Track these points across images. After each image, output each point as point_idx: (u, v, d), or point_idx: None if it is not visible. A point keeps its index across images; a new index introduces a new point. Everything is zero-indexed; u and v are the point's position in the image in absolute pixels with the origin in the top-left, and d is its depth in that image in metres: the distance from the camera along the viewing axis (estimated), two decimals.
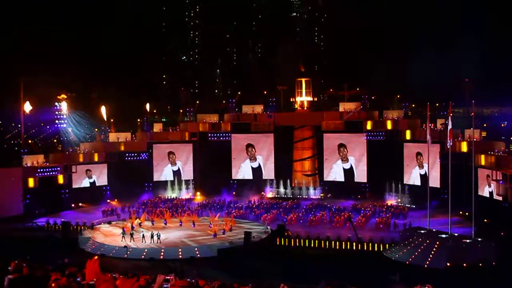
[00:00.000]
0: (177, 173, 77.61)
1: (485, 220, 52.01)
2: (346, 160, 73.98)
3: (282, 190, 75.50)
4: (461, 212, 55.58)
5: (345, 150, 73.92)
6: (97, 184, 72.87)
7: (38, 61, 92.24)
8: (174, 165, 77.68)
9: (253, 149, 77.52)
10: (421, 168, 66.35)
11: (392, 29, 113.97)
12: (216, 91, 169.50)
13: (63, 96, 78.90)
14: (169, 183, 76.76)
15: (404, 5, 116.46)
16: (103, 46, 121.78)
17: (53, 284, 5.75)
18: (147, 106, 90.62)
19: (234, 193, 74.27)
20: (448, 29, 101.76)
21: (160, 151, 77.34)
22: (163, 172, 77.40)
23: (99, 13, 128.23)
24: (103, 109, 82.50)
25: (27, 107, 73.03)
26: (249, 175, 77.77)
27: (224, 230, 53.55)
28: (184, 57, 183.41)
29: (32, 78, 75.10)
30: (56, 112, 78.98)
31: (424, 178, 64.22)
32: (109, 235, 53.57)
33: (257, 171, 77.61)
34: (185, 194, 75.72)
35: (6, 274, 9.06)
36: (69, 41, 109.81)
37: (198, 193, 75.81)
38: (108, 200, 70.60)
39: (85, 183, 72.11)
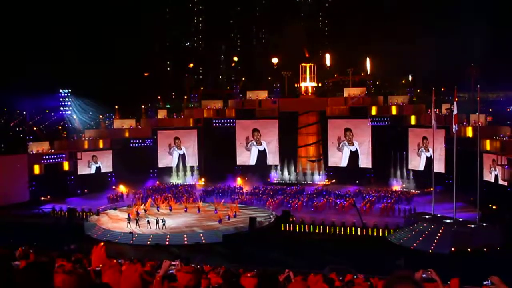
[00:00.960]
0: (182, 159, 77.78)
1: (492, 206, 52.02)
2: (352, 144, 73.95)
3: (286, 176, 75.60)
4: (466, 198, 55.58)
5: (351, 134, 73.84)
6: (102, 171, 73.14)
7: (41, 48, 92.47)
8: (179, 149, 77.80)
9: (259, 134, 77.50)
10: (427, 151, 66.20)
11: (396, 14, 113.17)
12: (220, 77, 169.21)
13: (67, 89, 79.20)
14: (174, 169, 76.98)
15: None
16: (106, 33, 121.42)
17: (59, 270, 5.81)
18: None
19: (239, 178, 74.39)
20: (453, 13, 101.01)
21: (164, 137, 77.45)
22: (168, 158, 77.56)
23: (105, 3, 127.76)
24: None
25: None
26: (253, 161, 77.82)
27: (229, 216, 53.77)
28: (188, 43, 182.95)
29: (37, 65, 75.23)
30: (61, 99, 79.13)
31: (429, 161, 64.22)
32: (115, 221, 53.87)
33: (262, 155, 77.60)
34: (190, 180, 75.95)
35: (13, 260, 9.17)
36: (71, 28, 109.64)
37: (202, 179, 75.99)
38: (114, 187, 70.86)
39: (91, 169, 72.39)
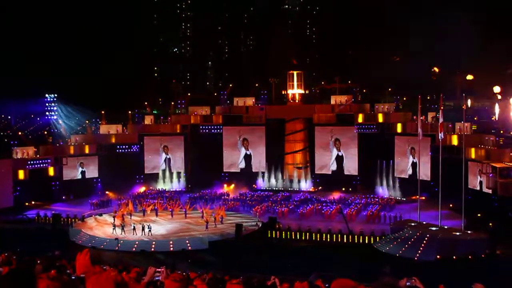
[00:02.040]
0: (168, 165, 77.56)
1: (477, 214, 52.31)
2: (339, 150, 74.12)
3: (273, 182, 75.59)
4: (451, 205, 55.89)
5: (339, 142, 74.06)
6: (87, 176, 72.70)
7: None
8: (167, 155, 77.61)
9: (247, 142, 77.50)
10: (414, 158, 66.41)
11: (383, 23, 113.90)
12: (207, 83, 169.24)
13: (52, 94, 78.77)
14: (160, 175, 76.71)
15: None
16: (94, 39, 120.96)
17: (43, 276, 5.73)
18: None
19: (225, 185, 74.25)
20: (440, 21, 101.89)
21: (151, 143, 77.21)
22: (155, 164, 77.27)
23: (90, 7, 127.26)
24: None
25: None
26: (242, 164, 77.68)
27: (215, 219, 53.71)
28: (176, 49, 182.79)
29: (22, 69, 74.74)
30: (47, 104, 78.61)
31: (415, 168, 64.57)
32: (100, 227, 53.54)
33: (249, 161, 77.55)
34: (176, 186, 75.71)
35: None
36: (59, 33, 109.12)
37: (189, 186, 75.78)
38: (105, 192, 70.28)
39: (76, 175, 71.94)
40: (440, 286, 8.34)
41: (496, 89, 72.35)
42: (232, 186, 73.31)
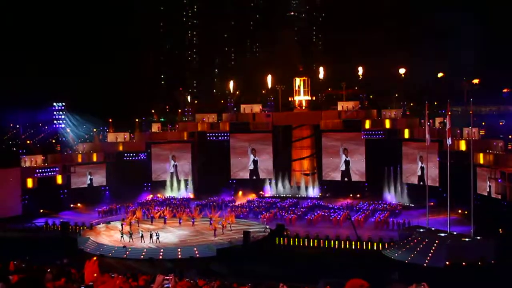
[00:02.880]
0: (176, 173, 77.63)
1: (487, 220, 52.02)
2: (347, 156, 74.07)
3: (281, 189, 75.50)
4: (460, 211, 55.59)
5: (346, 151, 73.99)
6: (95, 184, 72.85)
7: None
8: (174, 162, 77.71)
9: (254, 150, 77.50)
10: (422, 163, 66.15)
11: (389, 28, 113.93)
12: (214, 91, 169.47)
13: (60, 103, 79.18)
14: (168, 182, 76.77)
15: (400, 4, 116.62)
16: (102, 48, 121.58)
17: (49, 286, 5.74)
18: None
19: (233, 192, 74.25)
20: (447, 28, 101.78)
21: (158, 151, 77.34)
22: (162, 172, 77.36)
23: (98, 14, 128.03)
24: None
25: None
26: (251, 167, 77.64)
27: (223, 226, 53.67)
28: (182, 57, 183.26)
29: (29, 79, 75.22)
30: (54, 113, 79.01)
31: (423, 174, 64.35)
32: (108, 235, 53.60)
33: (257, 168, 77.54)
34: (184, 194, 75.74)
35: (6, 274, 9.06)
36: (67, 40, 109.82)
37: (196, 193, 75.79)
38: (112, 200, 70.45)
39: (84, 183, 72.12)
40: None
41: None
42: (240, 193, 73.31)
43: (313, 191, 74.42)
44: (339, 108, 75.80)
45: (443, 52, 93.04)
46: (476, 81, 79.37)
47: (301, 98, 79.19)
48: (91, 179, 72.67)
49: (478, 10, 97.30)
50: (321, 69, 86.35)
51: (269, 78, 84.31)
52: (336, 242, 49.36)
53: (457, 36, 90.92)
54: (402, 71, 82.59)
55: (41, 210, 63.75)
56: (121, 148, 75.83)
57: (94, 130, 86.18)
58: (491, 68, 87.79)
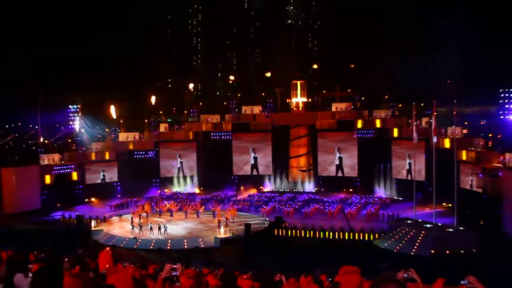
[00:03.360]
0: (182, 169, 77.70)
1: (468, 212, 52.14)
2: (340, 153, 74.07)
3: (279, 184, 75.56)
4: (444, 204, 55.62)
5: (340, 148, 74.00)
6: (108, 181, 72.97)
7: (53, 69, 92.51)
8: (181, 159, 77.73)
9: (255, 149, 77.51)
10: (410, 160, 66.15)
11: (379, 35, 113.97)
12: (217, 93, 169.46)
13: (78, 105, 79.27)
14: (175, 178, 76.87)
15: (390, 12, 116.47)
16: (113, 54, 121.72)
17: (66, 273, 5.79)
18: (152, 99, 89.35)
19: (235, 187, 74.31)
20: (432, 35, 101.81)
21: (166, 149, 77.42)
22: (170, 169, 77.42)
23: (108, 23, 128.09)
24: (112, 109, 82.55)
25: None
26: (252, 163, 77.56)
27: (227, 218, 53.70)
28: (188, 62, 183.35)
29: (47, 83, 75.32)
30: (70, 115, 79.10)
31: (411, 169, 64.40)
32: (120, 227, 53.71)
33: (257, 165, 77.52)
34: (190, 189, 75.82)
35: (26, 264, 9.13)
36: (81, 49, 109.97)
37: (201, 188, 75.88)
38: (119, 195, 70.60)
39: (97, 179, 72.21)
40: (440, 280, 8.31)
41: None
42: (242, 188, 73.36)
43: (309, 186, 74.54)
44: (333, 109, 75.85)
45: (431, 56, 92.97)
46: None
47: (298, 100, 79.26)
48: (104, 176, 72.76)
49: (463, 14, 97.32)
50: (316, 73, 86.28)
51: (268, 81, 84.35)
52: (331, 233, 49.42)
53: (443, 41, 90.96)
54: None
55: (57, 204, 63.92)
56: (131, 147, 75.88)
57: (107, 130, 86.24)
58: (473, 71, 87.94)
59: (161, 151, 77.13)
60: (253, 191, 72.06)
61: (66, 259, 13.89)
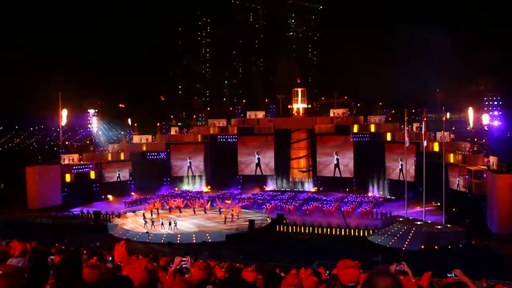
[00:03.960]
0: (191, 169, 77.71)
1: (455, 210, 52.04)
2: (338, 156, 73.87)
3: (281, 184, 75.48)
4: (433, 203, 55.50)
5: (337, 151, 73.76)
6: (123, 179, 73.00)
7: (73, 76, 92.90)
8: (190, 161, 77.73)
9: (258, 151, 77.35)
10: (402, 162, 65.98)
11: (374, 46, 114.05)
12: (224, 99, 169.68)
13: (94, 109, 79.54)
14: (184, 178, 76.88)
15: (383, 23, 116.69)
16: (129, 63, 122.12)
17: (83, 264, 5.83)
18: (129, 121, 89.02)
19: (240, 186, 74.25)
20: (425, 47, 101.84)
21: (176, 151, 77.47)
22: (180, 169, 77.45)
23: (124, 35, 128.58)
24: (129, 121, 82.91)
25: (64, 114, 73.48)
26: (256, 166, 77.42)
27: (232, 215, 53.63)
28: (197, 70, 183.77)
29: (68, 90, 75.60)
30: (88, 119, 79.35)
31: (403, 171, 64.29)
32: (133, 222, 53.71)
33: (260, 165, 77.40)
34: (198, 188, 75.82)
35: (48, 255, 9.17)
36: (100, 59, 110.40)
37: (209, 187, 75.85)
38: (132, 193, 70.57)
39: (113, 178, 72.28)
40: (427, 273, 8.32)
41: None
42: (248, 188, 72.86)
43: (309, 186, 74.42)
44: (331, 114, 75.74)
45: (421, 66, 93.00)
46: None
47: (299, 105, 79.25)
48: (119, 175, 72.83)
49: (451, 26, 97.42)
50: (316, 81, 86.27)
51: (271, 88, 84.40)
52: (328, 229, 49.38)
53: (434, 51, 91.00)
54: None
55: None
56: (144, 148, 75.98)
57: (122, 133, 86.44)
58: (462, 80, 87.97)
59: (172, 152, 77.16)
60: (256, 190, 71.93)
61: (85, 251, 13.93)
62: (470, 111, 72.13)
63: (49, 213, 58.60)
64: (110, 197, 68.54)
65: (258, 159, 77.42)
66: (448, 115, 70.07)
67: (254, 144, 77.21)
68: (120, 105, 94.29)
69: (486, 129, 68.85)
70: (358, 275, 5.18)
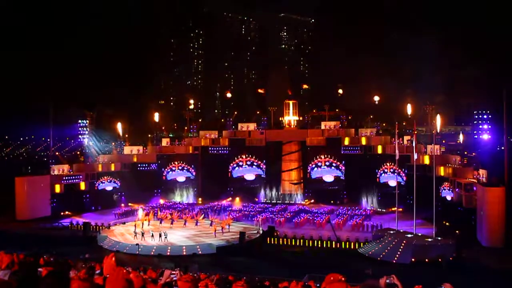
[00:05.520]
0: (182, 181, 77.34)
1: (446, 223, 52.15)
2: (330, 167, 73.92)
3: (272, 196, 75.32)
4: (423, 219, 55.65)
5: (329, 163, 73.77)
6: (113, 190, 72.50)
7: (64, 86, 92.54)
8: (180, 173, 77.42)
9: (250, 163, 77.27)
10: (392, 174, 66.19)
11: (365, 61, 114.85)
12: (216, 111, 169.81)
13: (86, 120, 79.20)
14: (175, 189, 76.48)
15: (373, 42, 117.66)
16: (121, 74, 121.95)
17: (74, 277, 5.75)
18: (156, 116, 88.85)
19: (230, 198, 73.97)
20: (415, 63, 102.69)
21: (167, 162, 77.14)
22: (170, 180, 77.08)
23: (116, 46, 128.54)
24: (119, 126, 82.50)
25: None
26: (250, 177, 77.11)
27: (222, 228, 53.30)
28: (189, 82, 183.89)
29: (59, 100, 75.35)
30: (79, 129, 79.00)
31: (393, 184, 64.45)
32: (123, 234, 53.24)
33: (252, 178, 77.20)
34: (189, 199, 75.45)
35: (37, 267, 9.05)
36: (92, 70, 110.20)
37: (200, 199, 75.52)
38: (123, 204, 70.17)
39: (104, 189, 71.74)
40: (417, 287, 8.29)
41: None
42: (237, 199, 72.72)
43: (299, 198, 74.32)
44: (322, 127, 75.92)
45: (411, 80, 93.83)
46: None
47: (290, 118, 79.42)
48: (109, 186, 72.36)
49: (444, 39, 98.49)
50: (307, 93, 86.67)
51: (262, 100, 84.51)
52: (319, 242, 49.28)
53: (423, 65, 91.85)
54: (376, 98, 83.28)
55: (66, 212, 63.47)
56: (135, 159, 75.69)
57: (113, 144, 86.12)
58: (451, 93, 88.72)
59: (162, 163, 76.82)
60: (247, 202, 71.65)
61: (73, 263, 13.76)
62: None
63: (37, 224, 58.05)
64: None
65: (249, 171, 77.23)
66: (438, 128, 70.45)
67: (246, 156, 77.00)
68: (111, 117, 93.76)
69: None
70: None
